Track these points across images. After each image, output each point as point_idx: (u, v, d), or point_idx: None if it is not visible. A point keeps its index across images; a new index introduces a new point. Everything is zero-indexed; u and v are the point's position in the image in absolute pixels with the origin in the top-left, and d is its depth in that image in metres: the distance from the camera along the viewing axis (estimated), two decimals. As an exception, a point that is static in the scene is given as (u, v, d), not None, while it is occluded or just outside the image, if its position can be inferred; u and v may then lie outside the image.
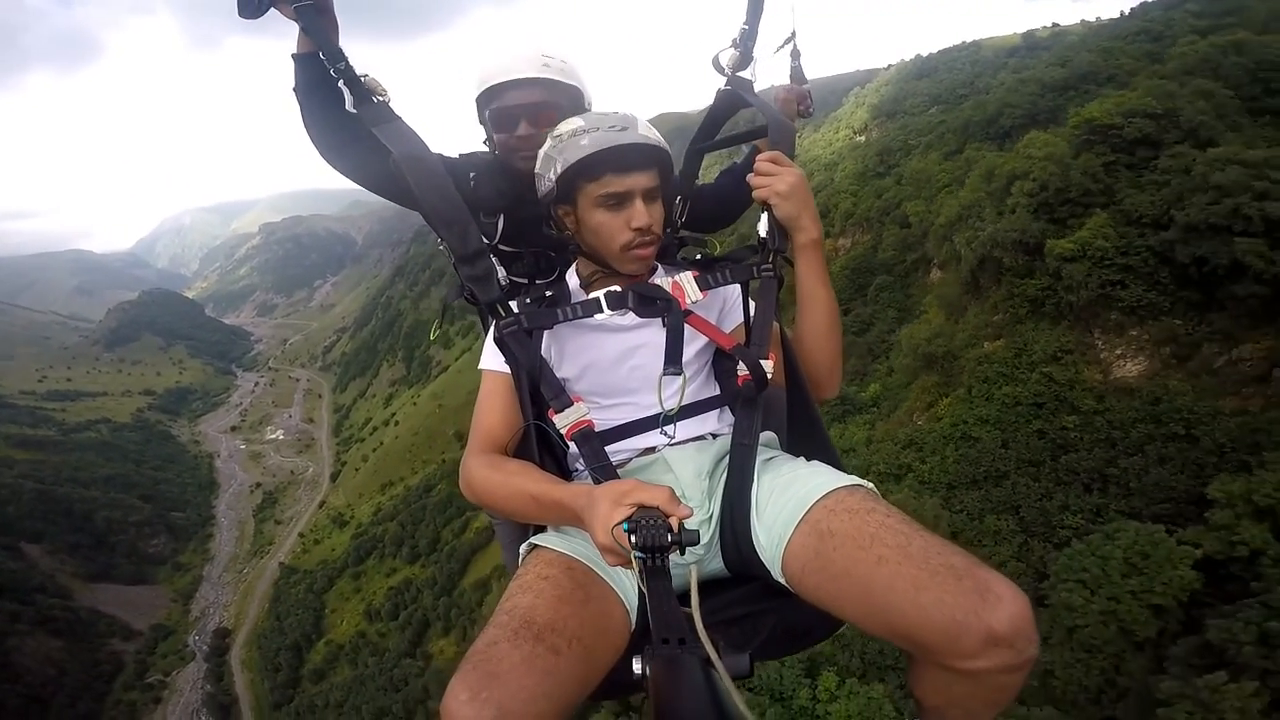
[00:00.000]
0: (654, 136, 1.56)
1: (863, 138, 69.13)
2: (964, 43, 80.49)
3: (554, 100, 1.88)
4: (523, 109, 1.87)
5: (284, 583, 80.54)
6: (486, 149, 2.05)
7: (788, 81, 2.18)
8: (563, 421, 1.50)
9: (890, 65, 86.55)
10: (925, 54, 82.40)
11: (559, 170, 1.53)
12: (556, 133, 1.58)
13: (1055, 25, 76.90)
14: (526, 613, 1.21)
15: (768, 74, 2.01)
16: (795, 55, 2.07)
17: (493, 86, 1.90)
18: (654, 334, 1.62)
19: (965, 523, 22.91)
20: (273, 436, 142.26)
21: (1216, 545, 17.73)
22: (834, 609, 1.30)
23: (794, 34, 2.03)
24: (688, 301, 1.61)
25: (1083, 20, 76.87)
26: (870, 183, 50.40)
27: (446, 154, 1.96)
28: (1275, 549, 16.90)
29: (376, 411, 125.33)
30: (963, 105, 52.56)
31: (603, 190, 1.52)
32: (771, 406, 1.67)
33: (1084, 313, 24.94)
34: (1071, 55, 44.81)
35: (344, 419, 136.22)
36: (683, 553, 1.08)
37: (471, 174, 1.93)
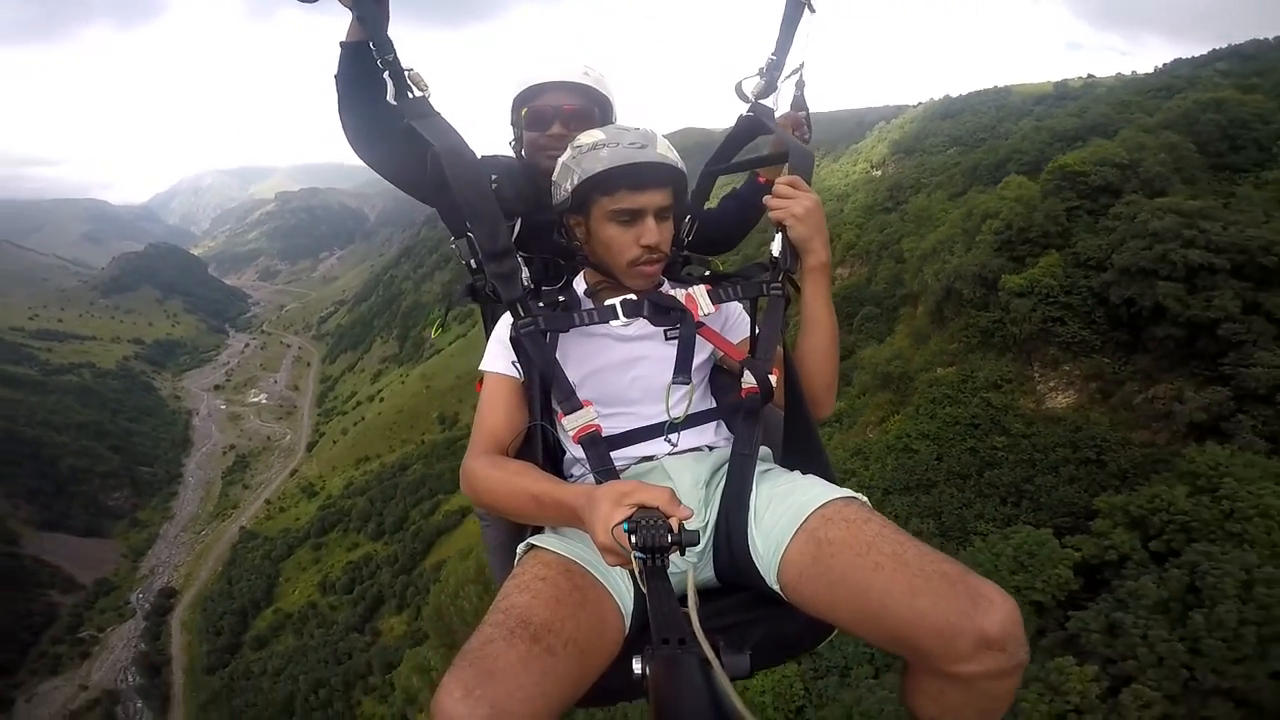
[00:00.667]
0: (672, 156, 1.58)
1: (879, 172, 69.42)
2: (995, 87, 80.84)
3: (589, 107, 1.95)
4: (559, 111, 1.93)
5: (242, 547, 77.97)
6: (508, 153, 2.11)
7: (788, 108, 2.14)
8: (572, 424, 1.52)
9: (919, 103, 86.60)
10: (955, 95, 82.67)
11: (576, 181, 1.55)
12: (577, 143, 1.60)
13: (1090, 77, 75.70)
14: (523, 612, 1.22)
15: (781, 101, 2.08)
16: (800, 85, 2.08)
17: (533, 86, 1.96)
18: (656, 347, 1.65)
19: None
20: (255, 400, 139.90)
21: (1093, 549, 19.65)
22: (829, 615, 1.33)
23: (803, 65, 2.05)
24: (700, 314, 1.65)
25: (1118, 74, 75.94)
26: (876, 216, 51.00)
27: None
28: (1140, 554, 18.75)
29: (363, 386, 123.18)
30: (979, 148, 53.19)
31: (616, 205, 1.54)
32: (767, 423, 1.70)
33: (1026, 345, 27.18)
34: (1091, 106, 45.75)
35: (329, 390, 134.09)
36: (683, 553, 1.10)
37: (493, 176, 1.91)
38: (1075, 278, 26.52)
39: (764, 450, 1.68)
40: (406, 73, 1.65)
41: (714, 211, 2.21)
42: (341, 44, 1.71)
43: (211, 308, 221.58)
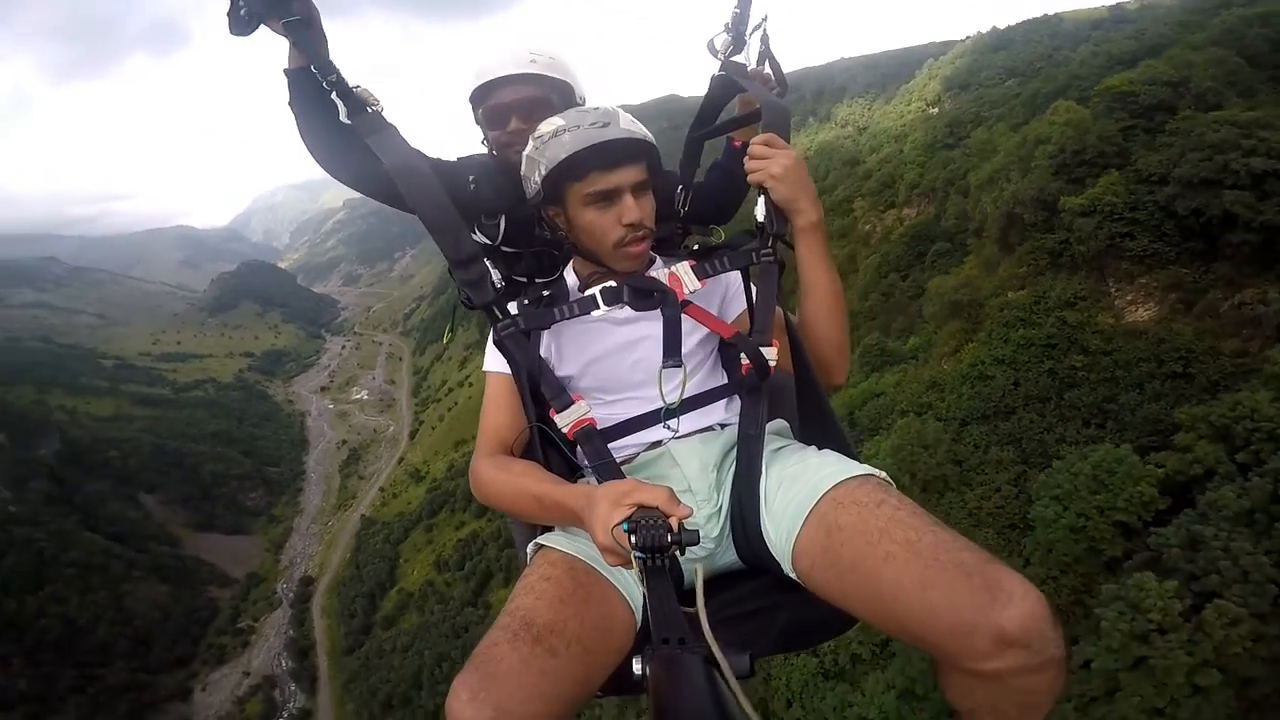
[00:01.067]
0: (637, 130, 1.53)
1: (935, 109, 67.34)
2: (1045, 16, 76.25)
3: (543, 95, 1.90)
4: (511, 105, 1.89)
5: (364, 534, 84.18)
6: (484, 150, 2.06)
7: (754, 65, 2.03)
8: (564, 421, 1.49)
9: (967, 38, 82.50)
10: (1003, 26, 78.29)
11: (543, 172, 1.51)
12: (538, 134, 1.56)
13: None
14: (527, 614, 1.23)
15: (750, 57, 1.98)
16: (764, 39, 1.95)
17: (483, 84, 1.92)
18: (655, 326, 1.59)
19: (971, 453, 24.87)
20: (358, 397, 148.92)
21: (1177, 465, 18.94)
22: (843, 605, 1.26)
23: (765, 18, 1.95)
24: (685, 292, 1.60)
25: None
26: (938, 153, 49.21)
27: (445, 158, 2.00)
28: (1226, 467, 17.80)
29: (452, 373, 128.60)
30: (1036, 78, 50.82)
31: (590, 189, 1.50)
32: (783, 395, 1.66)
33: (1096, 262, 26.53)
34: (1149, 28, 43.47)
35: (422, 380, 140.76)
36: (683, 552, 1.08)
37: (471, 177, 1.92)
38: (1139, 194, 25.83)
39: (780, 424, 1.67)
40: (355, 90, 1.64)
41: (702, 184, 2.15)
42: (285, 72, 1.70)
43: (306, 316, 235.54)
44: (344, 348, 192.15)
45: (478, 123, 2.01)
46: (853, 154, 68.91)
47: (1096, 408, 23.73)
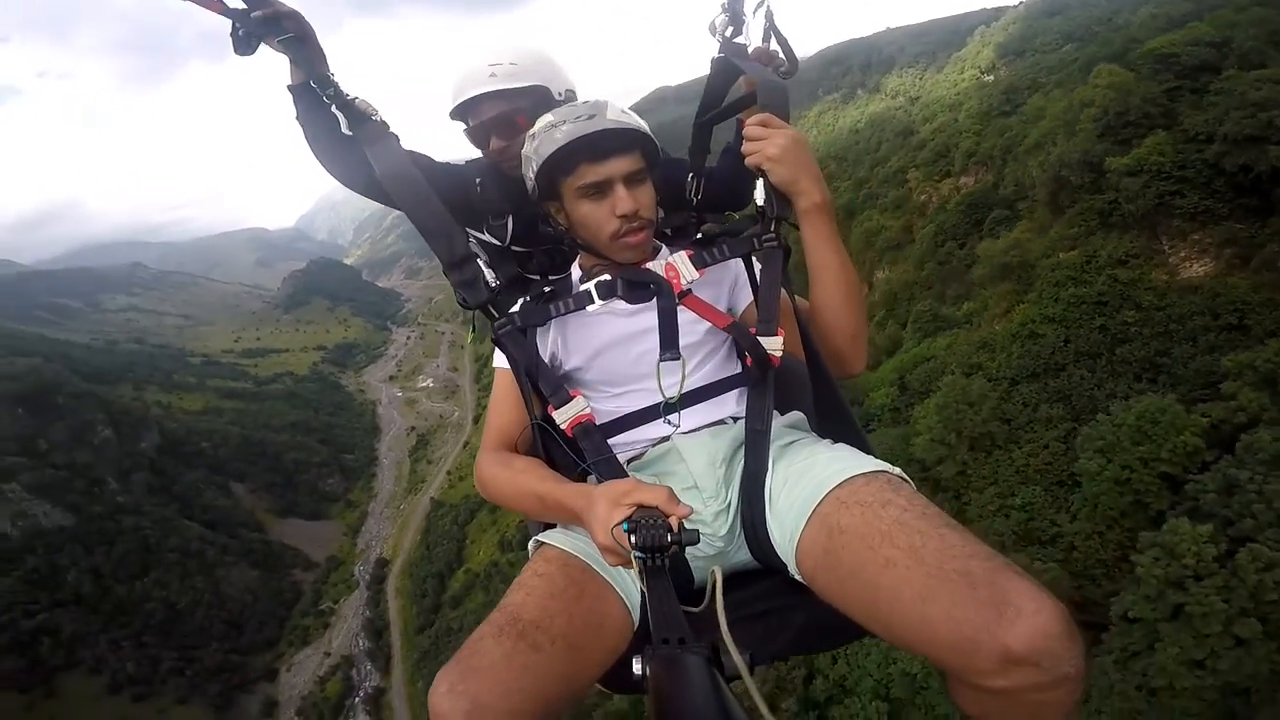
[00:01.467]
0: (628, 120, 1.50)
1: (990, 77, 66.36)
2: None
3: (513, 108, 1.87)
4: (486, 125, 1.89)
5: (434, 516, 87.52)
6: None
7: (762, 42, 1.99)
8: (562, 417, 1.48)
9: (1020, 3, 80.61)
10: None
11: (536, 168, 1.52)
12: (531, 132, 1.56)
13: None
14: (515, 610, 1.23)
15: (754, 35, 1.93)
16: (769, 16, 1.92)
17: (455, 108, 1.93)
18: (655, 318, 1.56)
19: (1020, 411, 25.27)
20: (424, 384, 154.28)
21: (1222, 413, 18.78)
22: (845, 611, 1.21)
23: None
24: (683, 282, 1.56)
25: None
26: (994, 121, 48.13)
27: (454, 162, 2.04)
28: (1271, 413, 17.56)
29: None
30: (1094, 42, 48.97)
31: (581, 181, 1.48)
32: (801, 384, 1.60)
33: (1147, 220, 26.76)
34: None
35: (483, 367, 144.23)
36: (682, 552, 1.08)
37: (478, 179, 1.95)
38: (1187, 153, 26.09)
39: (796, 416, 1.63)
40: (353, 101, 1.68)
41: (714, 169, 2.08)
42: (288, 88, 1.75)
43: (373, 309, 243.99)
44: (409, 338, 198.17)
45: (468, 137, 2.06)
46: (905, 124, 67.37)
47: (1149, 362, 23.94)
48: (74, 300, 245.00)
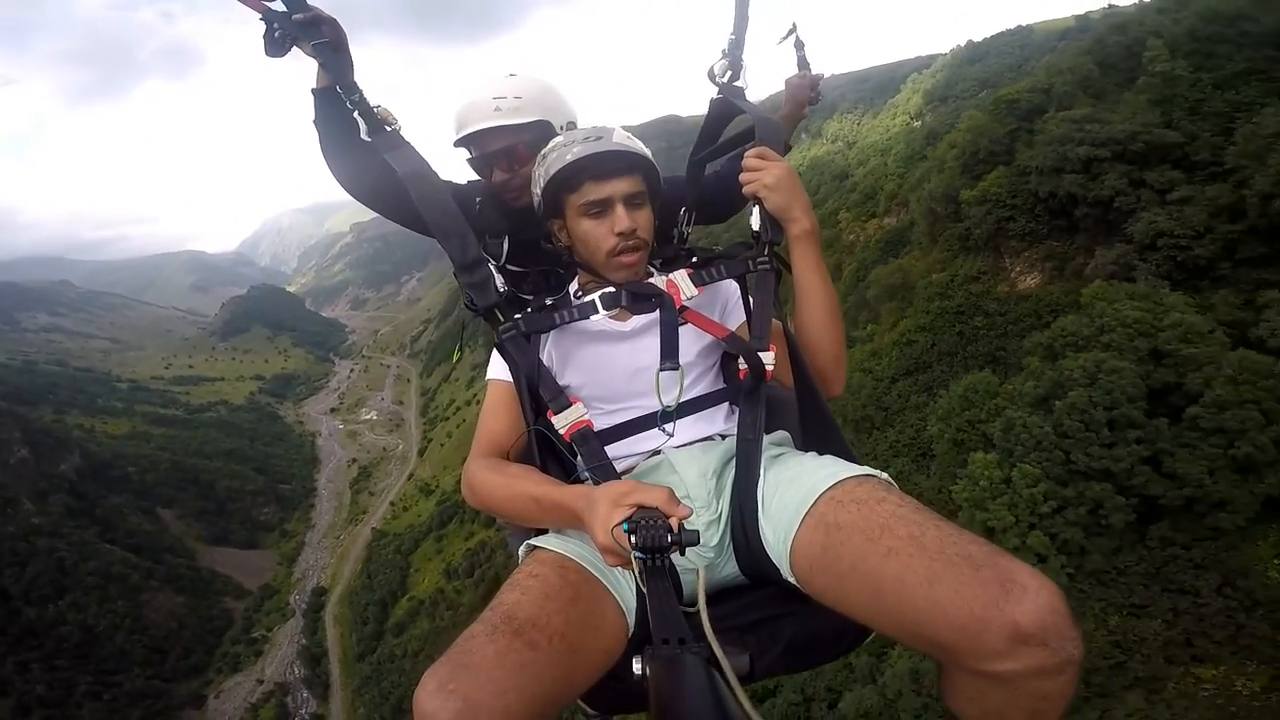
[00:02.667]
0: (632, 145, 1.59)
1: (918, 122, 71.19)
2: (1018, 27, 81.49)
3: (515, 141, 1.92)
4: (489, 157, 1.96)
5: (375, 545, 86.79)
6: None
7: (796, 71, 2.25)
8: (561, 422, 1.51)
9: (950, 50, 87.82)
10: (979, 39, 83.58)
11: (542, 185, 1.59)
12: (543, 153, 1.65)
13: (1111, 6, 72.46)
14: (509, 609, 1.20)
15: (777, 67, 2.22)
16: (799, 46, 2.14)
17: (459, 141, 1.98)
18: (654, 339, 1.60)
19: (895, 400, 31.83)
20: (367, 417, 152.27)
21: (1020, 380, 23.89)
22: (846, 610, 1.23)
23: (794, 26, 2.11)
24: (683, 298, 1.62)
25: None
26: (917, 164, 53.06)
27: (456, 181, 2.10)
28: (1043, 369, 22.83)
29: (460, 393, 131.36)
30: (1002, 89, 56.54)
31: (583, 199, 1.55)
32: (784, 407, 1.69)
33: (992, 243, 33.07)
34: (1106, 36, 47.80)
35: (430, 401, 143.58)
36: (683, 552, 1.08)
37: (478, 199, 2.04)
38: (1018, 184, 32.11)
39: (782, 435, 1.67)
40: (375, 109, 1.72)
41: (710, 174, 2.15)
42: (312, 91, 1.80)
43: (315, 340, 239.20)
44: (352, 371, 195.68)
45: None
46: (842, 168, 72.75)
47: (990, 355, 30.14)
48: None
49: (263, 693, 71.84)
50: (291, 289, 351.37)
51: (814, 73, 2.21)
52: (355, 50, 1.79)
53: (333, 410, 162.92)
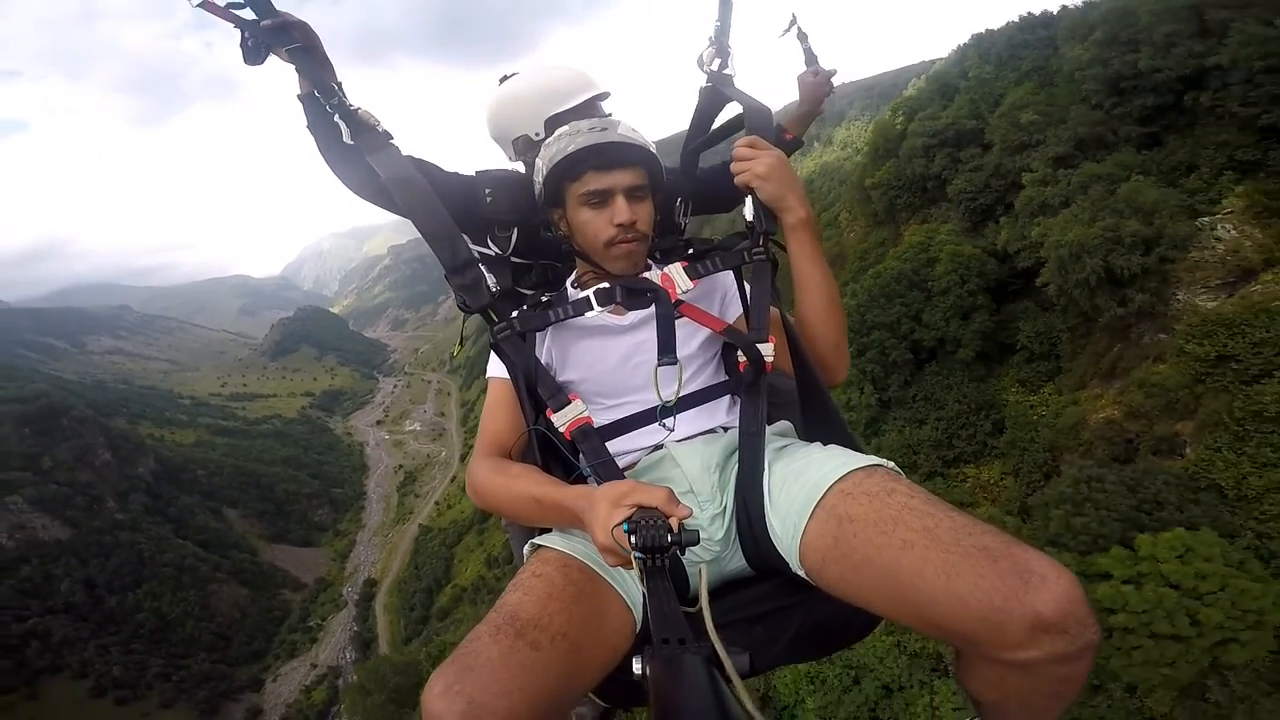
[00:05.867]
0: (637, 137, 1.58)
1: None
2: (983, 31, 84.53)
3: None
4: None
5: (422, 540, 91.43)
6: (503, 166, 2.11)
7: (805, 68, 2.21)
8: (561, 420, 1.49)
9: (945, 56, 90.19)
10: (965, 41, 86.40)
11: (545, 173, 1.59)
12: (546, 141, 1.64)
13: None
14: (513, 609, 1.21)
15: (786, 66, 2.19)
16: (803, 38, 2.11)
17: (518, 142, 2.07)
18: (653, 333, 1.59)
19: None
20: (411, 428, 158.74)
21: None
22: (859, 601, 1.22)
23: (795, 18, 2.10)
24: (678, 292, 1.60)
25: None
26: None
27: (462, 173, 2.03)
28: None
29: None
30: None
31: (585, 189, 1.55)
32: (785, 398, 1.71)
33: (889, 217, 39.01)
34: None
35: (470, 412, 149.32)
36: (682, 552, 1.07)
37: (488, 190, 1.95)
38: (902, 170, 37.17)
39: (784, 425, 1.68)
40: (355, 111, 1.68)
41: (706, 169, 2.14)
42: (298, 97, 1.76)
43: (359, 359, 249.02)
44: (395, 387, 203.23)
45: (518, 156, 2.09)
46: (849, 174, 75.07)
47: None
48: (59, 340, 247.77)
49: (316, 676, 76.36)
50: (335, 311, 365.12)
51: (825, 67, 2.17)
52: (381, 73, 3.85)
53: (379, 422, 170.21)
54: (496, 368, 1.68)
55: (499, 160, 2.21)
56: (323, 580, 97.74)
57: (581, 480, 1.51)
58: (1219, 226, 19.55)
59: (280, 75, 1.71)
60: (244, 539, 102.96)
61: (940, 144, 33.39)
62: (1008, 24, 35.57)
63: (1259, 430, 16.56)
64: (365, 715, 44.02)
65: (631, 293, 1.59)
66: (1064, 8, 32.68)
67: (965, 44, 37.56)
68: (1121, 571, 14.39)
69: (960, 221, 30.88)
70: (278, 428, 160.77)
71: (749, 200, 1.66)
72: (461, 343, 2.13)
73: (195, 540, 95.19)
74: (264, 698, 76.02)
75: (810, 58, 2.14)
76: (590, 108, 2.05)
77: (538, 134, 2.02)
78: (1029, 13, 34.17)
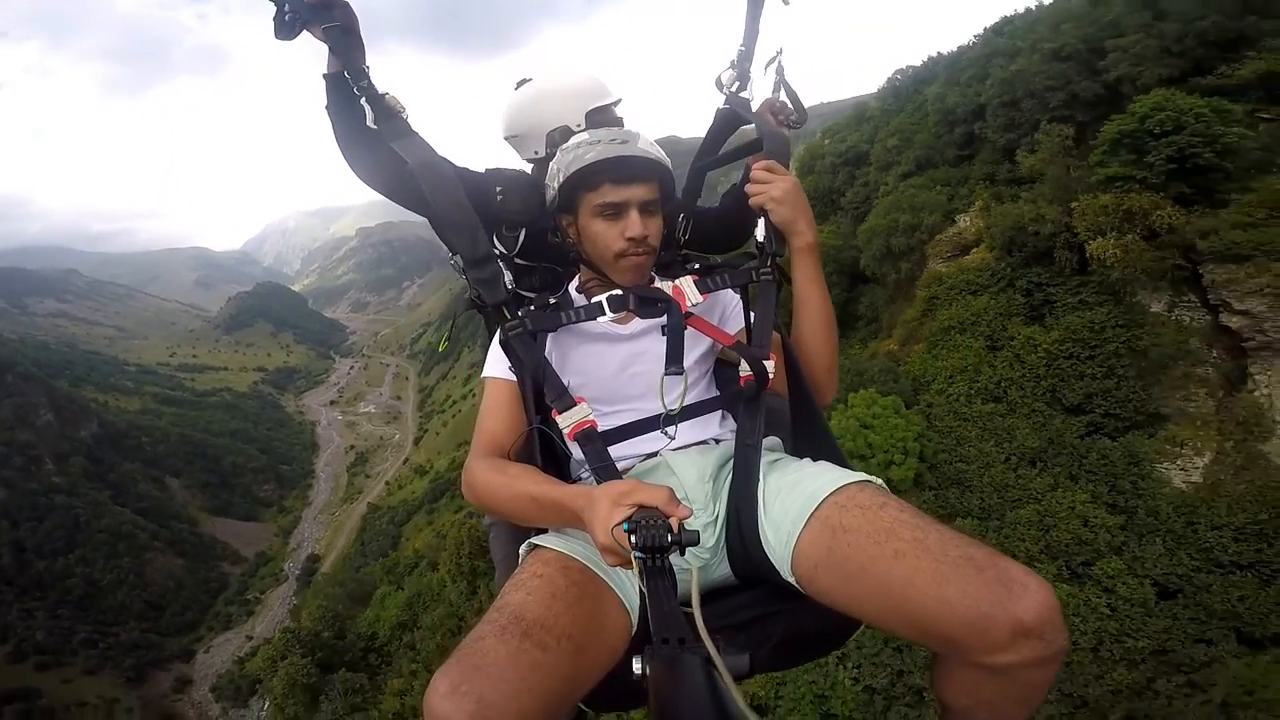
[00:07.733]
0: (655, 152, 1.60)
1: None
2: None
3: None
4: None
5: (370, 518, 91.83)
6: (515, 166, 2.12)
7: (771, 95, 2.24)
8: (566, 421, 1.49)
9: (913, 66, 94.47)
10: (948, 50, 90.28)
11: (561, 180, 1.59)
12: (564, 147, 1.65)
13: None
14: (517, 609, 1.20)
15: (763, 90, 2.15)
16: (780, 70, 2.13)
17: (541, 147, 2.06)
18: (654, 342, 1.64)
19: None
20: (365, 410, 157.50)
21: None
22: (850, 608, 1.27)
23: (780, 51, 2.13)
24: (688, 304, 1.64)
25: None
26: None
27: (473, 168, 2.03)
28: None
29: (456, 389, 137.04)
30: None
31: (600, 200, 1.57)
32: (775, 415, 1.70)
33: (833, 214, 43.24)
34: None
35: (427, 397, 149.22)
36: (683, 553, 1.07)
37: (499, 188, 1.96)
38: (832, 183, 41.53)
39: (774, 440, 1.69)
40: (383, 96, 1.71)
41: (712, 210, 2.17)
42: (324, 76, 1.76)
43: (316, 337, 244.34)
44: (352, 368, 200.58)
45: (531, 158, 2.08)
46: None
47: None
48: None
49: (251, 648, 74.62)
50: (295, 289, 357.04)
51: (783, 97, 2.14)
52: (376, 57, 1.80)
53: (332, 403, 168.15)
54: (497, 367, 1.67)
55: (482, 155, 2.28)
56: (264, 555, 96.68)
57: (577, 483, 1.58)
58: (960, 219, 28.63)
59: (276, 51, 3.05)
60: (185, 510, 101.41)
61: (844, 163, 38.64)
62: (925, 60, 40.23)
63: (942, 341, 25.80)
64: (329, 600, 51.36)
65: (644, 301, 1.63)
66: (961, 46, 37.62)
67: (891, 77, 41.62)
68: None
69: (847, 225, 36.03)
70: (227, 400, 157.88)
71: (761, 222, 1.74)
72: (449, 339, 2.22)
73: (134, 508, 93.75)
74: (194, 668, 75.03)
75: (778, 89, 2.14)
76: (613, 111, 2.11)
77: (579, 125, 2.02)
78: (940, 51, 39.59)
